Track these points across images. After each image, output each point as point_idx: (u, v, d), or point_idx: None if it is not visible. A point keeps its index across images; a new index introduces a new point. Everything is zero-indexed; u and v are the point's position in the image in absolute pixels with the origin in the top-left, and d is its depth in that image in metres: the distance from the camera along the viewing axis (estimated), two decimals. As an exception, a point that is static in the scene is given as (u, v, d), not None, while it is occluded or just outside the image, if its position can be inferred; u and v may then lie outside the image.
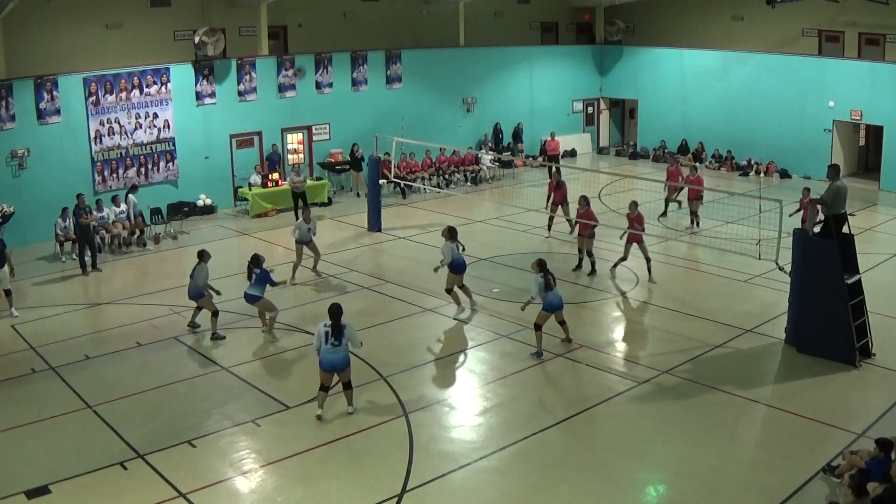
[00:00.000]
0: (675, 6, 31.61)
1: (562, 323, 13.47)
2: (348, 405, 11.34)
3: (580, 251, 17.70)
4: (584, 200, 17.52)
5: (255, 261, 14.00)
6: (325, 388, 11.16)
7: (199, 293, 14.17)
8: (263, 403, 11.76)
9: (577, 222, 17.83)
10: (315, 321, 14.79)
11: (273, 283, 14.24)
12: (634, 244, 16.84)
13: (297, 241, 17.27)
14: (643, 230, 16.80)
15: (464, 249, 15.59)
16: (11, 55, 20.24)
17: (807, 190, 18.78)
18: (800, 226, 17.29)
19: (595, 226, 17.19)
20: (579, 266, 17.57)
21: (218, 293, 14.45)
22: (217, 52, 22.84)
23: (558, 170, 21.16)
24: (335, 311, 11.00)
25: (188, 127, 22.65)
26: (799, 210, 18.52)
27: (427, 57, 27.76)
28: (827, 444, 10.36)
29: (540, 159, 30.13)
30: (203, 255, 14.29)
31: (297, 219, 18.53)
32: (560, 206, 20.17)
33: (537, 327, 13.25)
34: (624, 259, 17.07)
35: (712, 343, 13.71)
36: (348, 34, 26.63)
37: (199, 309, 14.43)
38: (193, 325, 14.56)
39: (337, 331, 10.92)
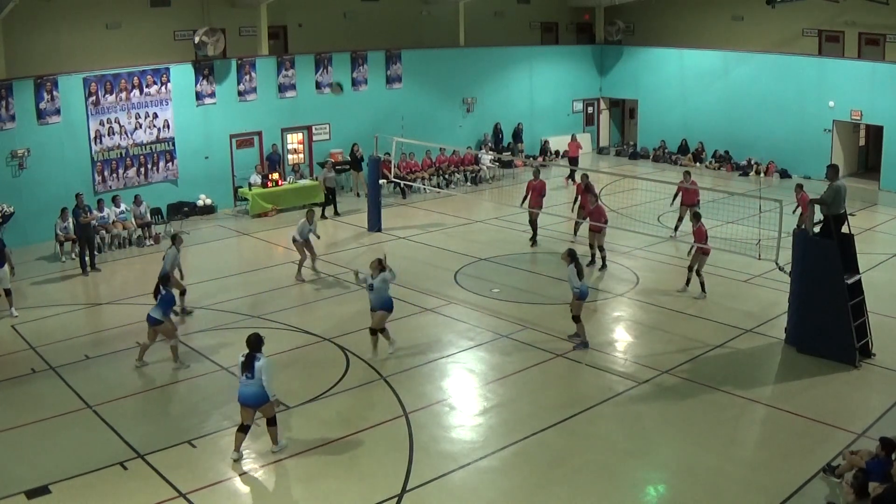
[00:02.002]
0: (675, 6, 31.61)
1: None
2: (272, 443, 10.38)
3: (591, 246, 17.89)
4: (594, 197, 18.01)
5: (165, 281, 13.38)
6: (242, 427, 10.24)
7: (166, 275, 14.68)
8: (263, 403, 11.75)
9: (588, 220, 18.07)
10: (314, 322, 14.89)
11: (167, 312, 12.98)
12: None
13: (297, 238, 17.23)
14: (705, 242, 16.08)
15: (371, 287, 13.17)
16: (11, 55, 20.24)
17: (799, 186, 19.09)
18: (798, 223, 17.45)
19: (605, 222, 17.47)
20: (592, 261, 17.74)
21: (182, 276, 15.22)
22: (217, 52, 22.84)
23: (585, 174, 20.48)
24: (250, 342, 10.18)
25: (188, 127, 22.65)
26: (798, 207, 18.46)
27: (427, 57, 27.76)
28: (827, 444, 10.36)
29: (540, 159, 30.14)
30: (175, 240, 15.24)
31: (324, 216, 18.56)
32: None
33: (577, 318, 13.50)
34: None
35: (712, 343, 13.71)
36: (348, 34, 26.63)
37: (182, 294, 15.03)
38: (184, 311, 15.07)
39: (247, 363, 10.06)
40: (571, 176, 26.22)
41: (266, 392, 10.04)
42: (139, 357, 13.14)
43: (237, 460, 10.19)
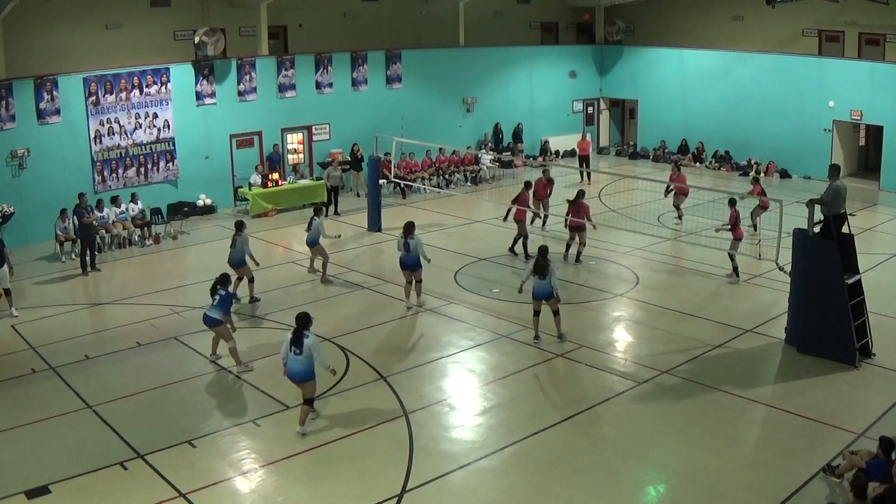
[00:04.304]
0: (675, 6, 31.60)
1: (555, 313, 13.70)
2: (299, 424, 10.79)
3: (569, 246, 18.33)
4: (580, 194, 18.54)
5: (223, 281, 12.97)
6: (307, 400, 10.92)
7: (242, 261, 15.50)
8: (263, 403, 11.76)
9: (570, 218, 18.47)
10: (314, 322, 14.85)
11: (228, 312, 12.89)
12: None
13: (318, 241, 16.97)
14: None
15: (408, 247, 15.07)
16: (11, 55, 20.24)
17: (755, 179, 21.20)
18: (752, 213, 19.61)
19: (584, 222, 17.97)
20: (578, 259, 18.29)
21: (257, 263, 15.85)
22: (217, 52, 22.83)
23: (546, 168, 21.87)
24: (299, 319, 10.79)
25: (188, 127, 22.64)
26: (750, 194, 19.60)
27: (427, 57, 27.75)
28: (827, 444, 10.37)
29: (540, 159, 30.14)
30: (241, 226, 15.73)
31: (326, 215, 18.44)
32: (541, 203, 20.64)
33: (534, 313, 13.77)
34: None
35: (712, 343, 13.71)
36: (348, 34, 26.62)
37: (239, 279, 15.57)
38: (253, 300, 15.75)
39: (295, 339, 10.62)
40: (586, 176, 26.26)
41: (311, 369, 10.66)
42: (212, 351, 13.18)
43: (304, 432, 10.79)
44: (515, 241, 18.78)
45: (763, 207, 19.80)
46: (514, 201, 18.95)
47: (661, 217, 21.85)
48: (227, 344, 12.84)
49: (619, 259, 18.47)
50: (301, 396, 10.92)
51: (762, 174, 27.59)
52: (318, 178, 24.40)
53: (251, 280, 15.75)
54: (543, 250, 13.64)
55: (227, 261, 15.72)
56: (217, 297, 12.74)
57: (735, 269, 16.87)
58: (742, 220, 17.14)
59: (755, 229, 20.28)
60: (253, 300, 15.73)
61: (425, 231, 21.04)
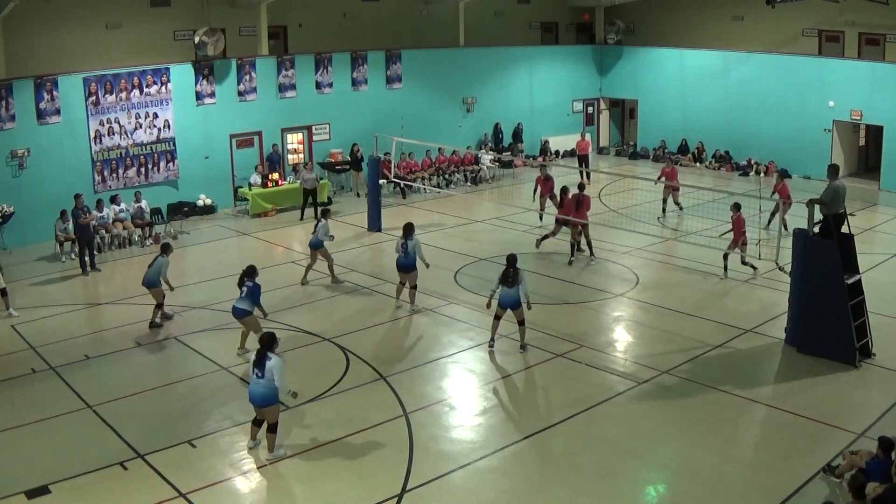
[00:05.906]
0: (675, 6, 31.59)
1: (520, 323, 13.30)
2: (268, 450, 10.27)
3: (574, 244, 18.35)
4: (580, 187, 18.62)
5: (250, 272, 13.03)
6: (256, 421, 10.47)
7: (154, 282, 14.52)
8: (263, 403, 11.75)
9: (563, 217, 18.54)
10: (314, 322, 14.89)
11: (258, 303, 12.97)
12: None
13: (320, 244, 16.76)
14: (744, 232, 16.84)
15: (405, 248, 15.03)
16: (11, 55, 20.24)
17: (781, 174, 21.71)
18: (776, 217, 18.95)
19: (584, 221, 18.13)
20: (571, 262, 18.20)
21: (171, 289, 14.89)
22: (217, 52, 22.83)
23: (543, 165, 22.25)
24: (263, 340, 10.26)
25: (188, 127, 22.64)
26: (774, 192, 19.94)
27: (427, 57, 27.75)
28: (827, 444, 10.37)
29: (540, 159, 30.14)
30: (167, 249, 14.84)
31: (309, 218, 17.85)
32: (548, 199, 20.89)
33: (495, 316, 13.38)
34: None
35: (712, 343, 13.71)
36: (348, 34, 26.62)
37: (158, 307, 14.76)
38: (165, 317, 14.93)
39: (258, 360, 10.11)
40: (586, 176, 26.31)
41: (272, 394, 10.07)
42: (241, 345, 13.19)
43: (252, 448, 10.41)
44: (589, 248, 18.37)
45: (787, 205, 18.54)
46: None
47: (660, 217, 21.84)
48: (255, 335, 12.73)
49: (619, 259, 18.46)
50: (257, 416, 10.42)
51: (762, 174, 27.60)
52: (319, 178, 24.32)
53: (158, 306, 14.62)
54: (512, 259, 13.24)
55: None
56: (245, 289, 12.88)
57: (752, 266, 16.74)
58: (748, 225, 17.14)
59: (785, 228, 18.31)
60: (165, 317, 14.87)
61: (425, 231, 21.05)
